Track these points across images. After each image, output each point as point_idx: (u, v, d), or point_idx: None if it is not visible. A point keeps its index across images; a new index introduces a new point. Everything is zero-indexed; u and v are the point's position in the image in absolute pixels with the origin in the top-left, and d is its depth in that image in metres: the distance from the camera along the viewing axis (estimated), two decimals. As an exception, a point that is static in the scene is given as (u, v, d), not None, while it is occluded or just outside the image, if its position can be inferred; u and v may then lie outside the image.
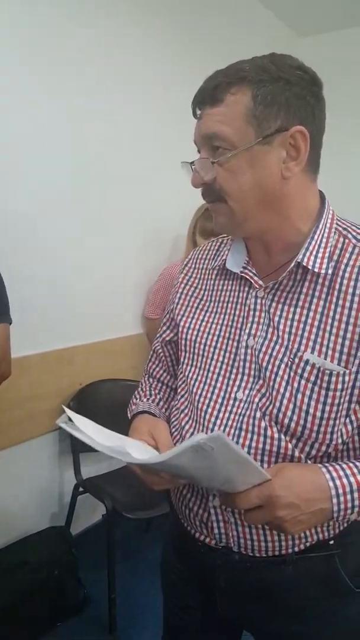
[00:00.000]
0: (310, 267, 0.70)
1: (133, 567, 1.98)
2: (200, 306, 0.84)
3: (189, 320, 0.84)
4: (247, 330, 0.76)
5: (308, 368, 0.69)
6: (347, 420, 0.70)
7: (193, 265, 0.90)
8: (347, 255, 0.71)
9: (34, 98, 1.67)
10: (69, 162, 1.81)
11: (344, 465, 0.67)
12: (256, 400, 0.73)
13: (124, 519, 1.69)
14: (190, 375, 0.82)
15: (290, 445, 0.71)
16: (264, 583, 0.77)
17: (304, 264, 0.70)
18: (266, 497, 0.63)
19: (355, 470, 0.67)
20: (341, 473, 0.66)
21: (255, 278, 0.76)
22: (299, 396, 0.70)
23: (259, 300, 0.76)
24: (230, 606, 0.82)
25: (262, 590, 0.78)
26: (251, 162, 0.67)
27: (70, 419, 0.72)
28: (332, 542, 0.76)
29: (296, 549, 0.75)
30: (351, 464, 0.68)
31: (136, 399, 0.95)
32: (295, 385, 0.70)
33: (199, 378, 0.80)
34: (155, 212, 2.25)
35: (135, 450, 0.70)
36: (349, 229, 0.73)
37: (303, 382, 0.70)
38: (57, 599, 1.67)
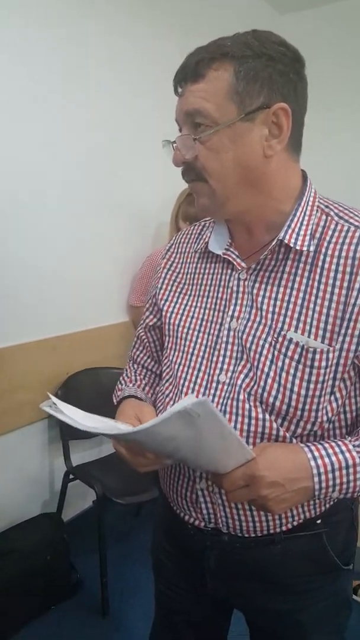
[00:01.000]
0: (292, 245, 0.70)
1: (124, 551, 2.00)
2: (184, 290, 0.84)
3: (172, 304, 0.84)
4: (230, 313, 0.76)
5: (292, 346, 0.70)
6: (332, 397, 0.71)
7: (175, 250, 0.89)
8: (330, 232, 0.70)
9: (13, 88, 1.62)
10: (48, 149, 1.77)
11: (326, 445, 0.68)
12: (239, 382, 0.73)
13: (114, 505, 1.71)
14: (174, 359, 0.81)
15: (275, 425, 0.71)
16: (253, 562, 0.79)
17: (286, 241, 0.70)
18: (250, 477, 0.64)
19: (337, 449, 0.67)
20: (323, 452, 0.67)
21: (238, 260, 0.76)
22: (284, 375, 0.70)
23: (241, 282, 0.75)
24: (221, 586, 0.84)
25: (251, 569, 0.80)
26: (233, 140, 0.66)
27: (54, 404, 0.72)
28: (319, 521, 0.77)
29: (284, 528, 0.76)
30: (333, 443, 0.68)
31: (121, 385, 0.95)
32: (280, 364, 0.70)
33: (183, 362, 0.80)
34: (137, 199, 2.22)
35: (122, 427, 0.70)
36: (331, 207, 0.73)
37: (287, 360, 0.70)
38: (50, 584, 1.69)
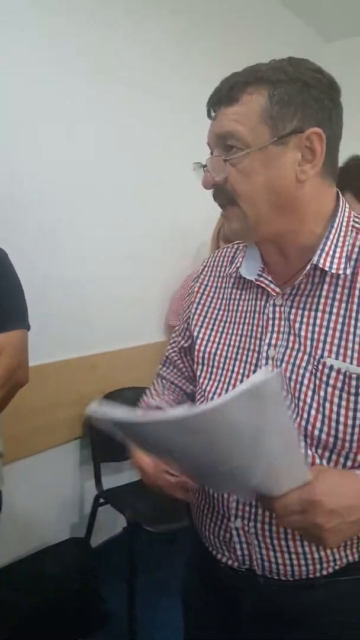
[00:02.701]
0: (327, 269, 0.67)
1: (155, 582, 1.91)
2: (218, 317, 0.81)
3: (207, 332, 0.81)
4: (267, 341, 0.72)
5: (333, 374, 0.66)
6: None
7: (208, 274, 0.87)
8: None
9: (57, 106, 1.68)
10: (89, 169, 1.81)
11: None
12: None
13: (146, 532, 1.64)
14: (209, 389, 0.78)
15: (324, 462, 0.67)
16: (293, 607, 0.73)
17: (321, 265, 0.67)
18: (307, 501, 0.58)
19: None
20: None
21: (272, 286, 0.73)
22: (327, 405, 0.66)
23: (277, 309, 0.72)
24: (257, 631, 0.77)
25: (291, 615, 0.73)
26: (265, 163, 0.65)
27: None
28: None
29: (324, 572, 0.70)
30: None
31: (147, 397, 0.92)
32: (322, 393, 0.67)
33: (218, 392, 0.76)
34: (178, 219, 2.23)
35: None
36: None
37: (330, 389, 0.66)
38: (77, 614, 1.62)
